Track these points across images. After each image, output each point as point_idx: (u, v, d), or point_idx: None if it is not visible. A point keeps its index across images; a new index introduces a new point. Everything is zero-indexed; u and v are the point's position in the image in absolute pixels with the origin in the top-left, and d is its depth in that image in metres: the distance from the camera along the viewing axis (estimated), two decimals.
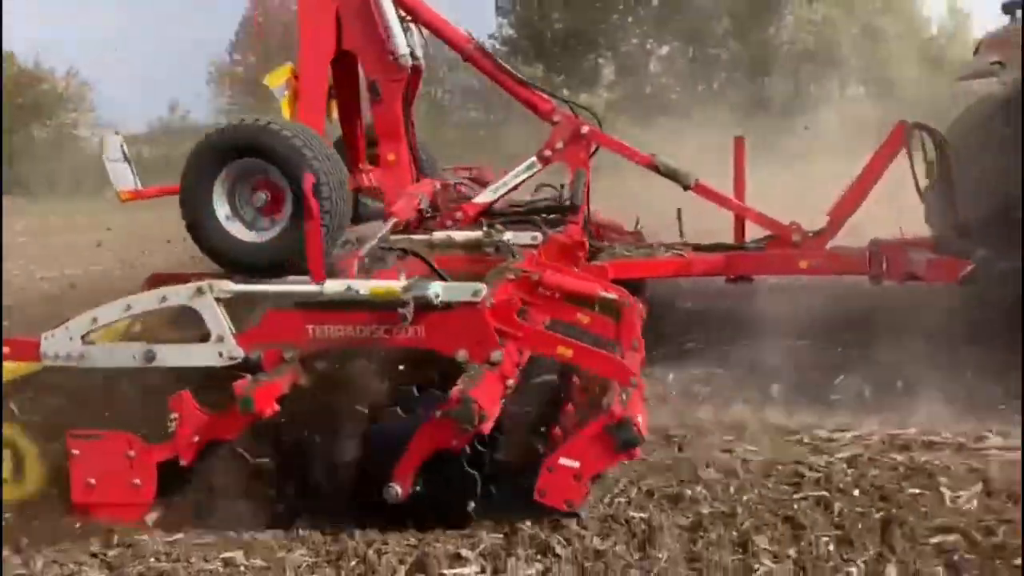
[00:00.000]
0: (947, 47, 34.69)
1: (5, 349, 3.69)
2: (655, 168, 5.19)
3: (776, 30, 36.22)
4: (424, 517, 3.35)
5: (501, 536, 3.25)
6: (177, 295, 3.62)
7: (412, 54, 5.15)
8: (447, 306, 3.40)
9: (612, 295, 4.01)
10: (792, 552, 3.03)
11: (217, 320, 3.57)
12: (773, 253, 5.18)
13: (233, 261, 4.14)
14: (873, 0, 33.27)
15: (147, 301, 3.68)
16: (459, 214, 5.18)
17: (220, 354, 3.56)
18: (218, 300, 3.57)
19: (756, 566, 2.95)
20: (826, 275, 5.22)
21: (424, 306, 3.39)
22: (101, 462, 3.51)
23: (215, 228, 4.12)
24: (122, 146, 4.89)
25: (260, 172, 4.11)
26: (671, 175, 5.21)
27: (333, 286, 3.49)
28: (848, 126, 11.39)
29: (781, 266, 5.18)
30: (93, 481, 3.52)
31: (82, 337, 3.64)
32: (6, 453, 3.70)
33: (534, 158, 5.25)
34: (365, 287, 3.46)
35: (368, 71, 5.09)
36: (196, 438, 3.45)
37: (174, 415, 3.46)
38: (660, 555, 3.04)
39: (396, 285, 3.44)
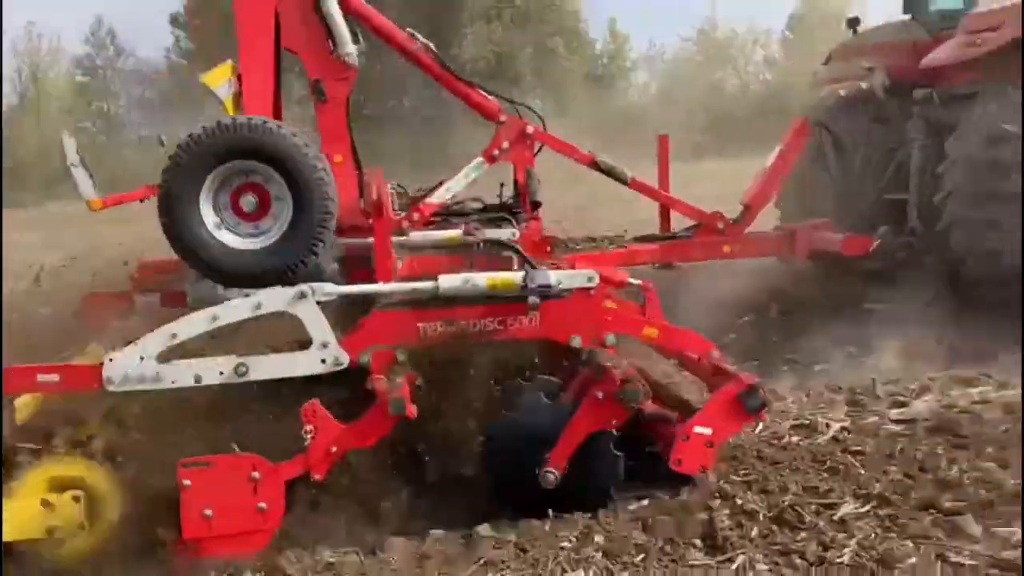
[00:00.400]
0: (609, 65, 39.65)
1: (54, 377, 3.30)
2: (596, 166, 5.53)
3: (459, 48, 37.85)
4: (565, 500, 3.44)
5: None
6: (274, 300, 3.36)
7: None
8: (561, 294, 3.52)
9: (638, 282, 4.27)
10: None
11: (320, 325, 3.38)
12: (701, 240, 5.64)
13: (225, 270, 3.78)
14: (546, 23, 36.25)
15: (237, 310, 3.36)
16: (416, 215, 5.15)
17: (323, 360, 3.38)
18: (319, 304, 3.39)
19: None
20: (747, 258, 5.78)
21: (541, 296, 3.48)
22: (220, 490, 3.24)
23: (204, 237, 3.72)
24: (76, 149, 4.26)
25: (245, 175, 3.79)
26: (610, 172, 5.53)
27: (449, 281, 3.46)
28: None
29: (709, 252, 5.66)
30: (209, 512, 3.22)
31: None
32: (78, 495, 3.28)
33: (481, 158, 5.35)
34: (483, 280, 3.47)
35: (312, 71, 4.79)
36: (333, 449, 3.25)
37: (308, 427, 3.22)
38: None
39: (514, 276, 3.49)
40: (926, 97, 6.30)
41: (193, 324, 3.32)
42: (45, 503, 3.23)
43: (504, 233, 4.88)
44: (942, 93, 6.21)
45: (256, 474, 3.25)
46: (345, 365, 3.39)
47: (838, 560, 3.00)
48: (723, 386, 3.52)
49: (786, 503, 3.39)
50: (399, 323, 3.45)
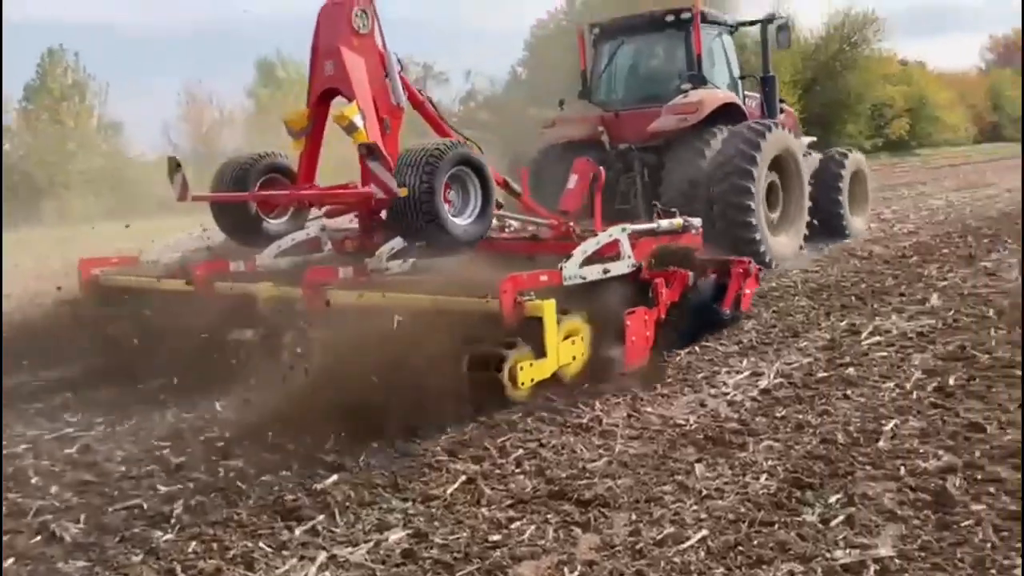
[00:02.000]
0: None
1: (545, 277, 5.53)
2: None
3: None
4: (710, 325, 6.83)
5: None
6: (620, 236, 6.27)
7: None
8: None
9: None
10: None
11: (628, 247, 6.26)
12: (555, 241, 6.74)
13: (449, 237, 6.03)
14: None
15: (595, 242, 6.15)
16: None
17: (632, 265, 6.23)
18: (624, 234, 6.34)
19: None
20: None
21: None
22: (636, 327, 5.67)
23: (442, 215, 5.92)
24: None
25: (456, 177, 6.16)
26: (508, 189, 7.42)
27: (663, 225, 6.88)
28: None
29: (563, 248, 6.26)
30: (634, 339, 5.63)
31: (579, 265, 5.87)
32: (577, 338, 5.45)
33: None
34: (669, 224, 6.93)
35: (381, 112, 6.51)
36: (668, 300, 6.08)
37: (653, 289, 6.06)
38: None
39: (679, 220, 7.03)
40: (643, 148, 10.29)
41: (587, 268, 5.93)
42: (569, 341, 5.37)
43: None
44: (652, 144, 10.20)
45: (646, 317, 5.78)
46: (639, 267, 6.27)
47: None
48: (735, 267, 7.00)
49: None
50: (647, 244, 6.53)
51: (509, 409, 5.05)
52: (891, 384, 5.19)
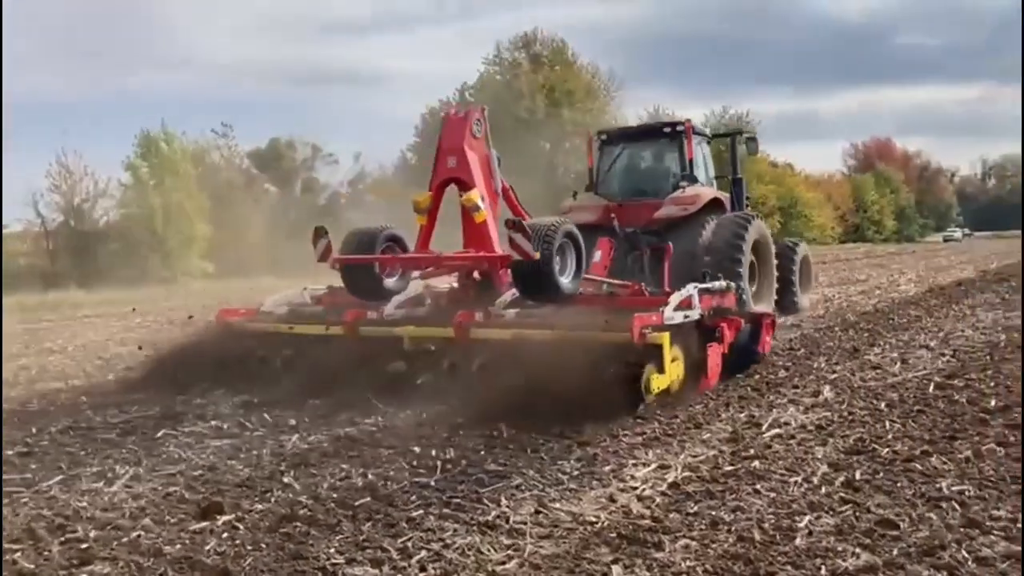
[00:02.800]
0: None
1: (653, 318, 7.13)
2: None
3: None
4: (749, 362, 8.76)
5: None
6: (688, 290, 7.99)
7: None
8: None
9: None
10: None
11: (696, 299, 7.98)
12: (629, 297, 8.57)
13: (555, 295, 7.80)
14: None
15: (679, 295, 7.87)
16: None
17: (699, 314, 7.97)
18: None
19: None
20: None
21: None
22: (714, 357, 7.78)
23: (555, 277, 7.66)
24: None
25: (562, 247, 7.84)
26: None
27: (716, 285, 8.60)
28: None
29: (635, 303, 8.18)
30: (713, 365, 7.77)
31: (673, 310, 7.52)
32: (676, 362, 7.24)
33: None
34: (718, 285, 8.67)
35: (487, 196, 8.70)
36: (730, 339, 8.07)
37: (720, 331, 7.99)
38: None
39: (725, 283, 8.77)
40: (647, 231, 11.96)
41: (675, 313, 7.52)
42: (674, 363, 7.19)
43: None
44: (655, 228, 11.95)
45: (719, 351, 7.85)
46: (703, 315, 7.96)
47: None
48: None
49: None
50: (709, 300, 8.32)
51: (407, 504, 4.77)
52: (799, 478, 5.12)
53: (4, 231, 34.25)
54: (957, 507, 4.51)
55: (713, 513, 4.57)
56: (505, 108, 47.33)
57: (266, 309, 9.38)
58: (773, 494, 4.86)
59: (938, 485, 4.86)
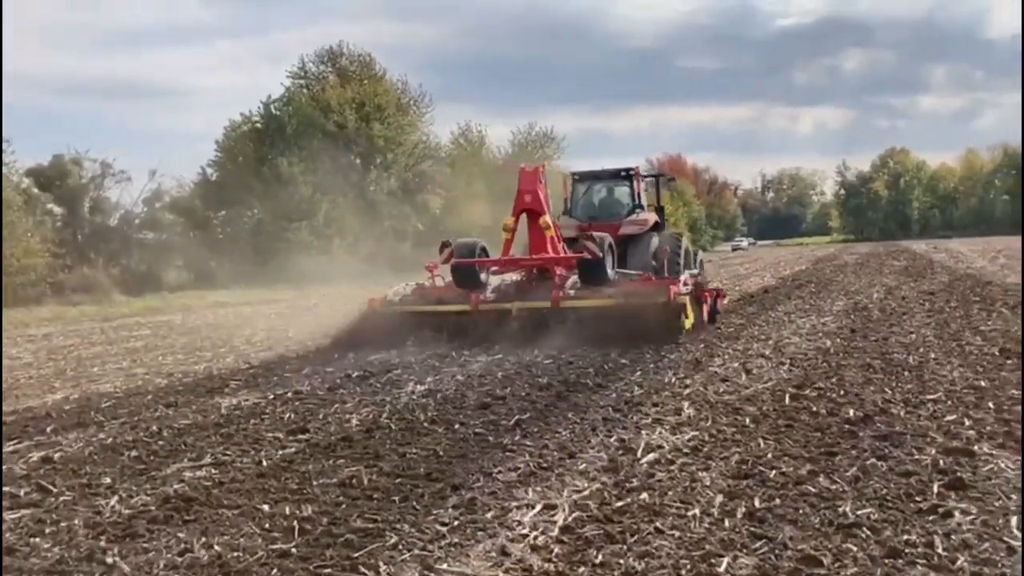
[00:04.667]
0: None
1: (674, 289, 12.74)
2: None
3: None
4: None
5: None
6: (688, 274, 15.16)
7: None
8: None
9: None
10: None
11: (690, 280, 14.36)
12: (643, 282, 13.85)
13: (605, 281, 13.30)
14: None
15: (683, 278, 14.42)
16: None
17: (693, 287, 14.14)
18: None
19: None
20: None
21: None
22: (708, 310, 14.39)
23: (607, 271, 13.41)
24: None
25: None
26: None
27: (695, 271, 16.77)
28: None
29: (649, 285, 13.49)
30: (707, 313, 14.36)
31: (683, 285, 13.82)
32: (692, 311, 13.18)
33: None
34: (697, 271, 17.14)
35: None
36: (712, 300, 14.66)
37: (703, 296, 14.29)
38: None
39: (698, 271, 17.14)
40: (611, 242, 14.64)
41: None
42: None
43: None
44: (619, 240, 15.31)
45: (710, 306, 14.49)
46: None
47: None
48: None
49: None
50: (693, 279, 14.70)
51: None
52: (696, 511, 4.76)
53: None
54: (870, 533, 4.29)
55: (621, 562, 4.10)
56: (313, 122, 45.84)
57: (390, 299, 13.73)
58: (677, 532, 4.46)
59: (841, 509, 4.64)
